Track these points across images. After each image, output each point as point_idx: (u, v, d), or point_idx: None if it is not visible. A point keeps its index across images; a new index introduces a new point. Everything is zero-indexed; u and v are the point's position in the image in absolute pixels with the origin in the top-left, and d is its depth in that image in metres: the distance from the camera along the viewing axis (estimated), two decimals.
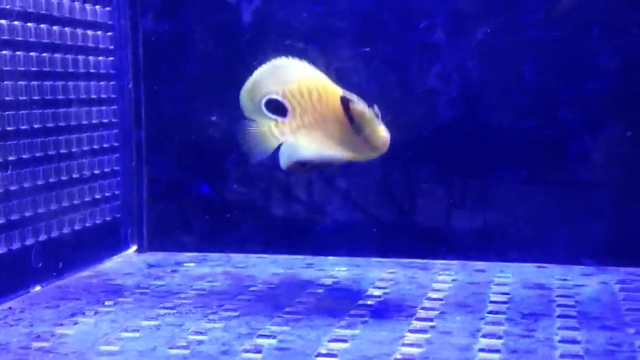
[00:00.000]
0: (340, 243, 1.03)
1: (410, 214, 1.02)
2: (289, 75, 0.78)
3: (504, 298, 0.82)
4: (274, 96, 0.79)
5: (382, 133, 0.74)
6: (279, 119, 0.79)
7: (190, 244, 1.07)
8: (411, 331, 0.72)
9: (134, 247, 1.08)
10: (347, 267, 0.98)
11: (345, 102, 0.75)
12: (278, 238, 1.06)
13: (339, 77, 1.01)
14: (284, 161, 0.78)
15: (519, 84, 0.98)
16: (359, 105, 0.75)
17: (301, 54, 1.01)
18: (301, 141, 0.78)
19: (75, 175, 0.95)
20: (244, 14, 1.04)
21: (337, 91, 0.77)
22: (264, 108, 0.79)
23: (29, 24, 0.87)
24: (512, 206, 0.99)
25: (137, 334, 0.72)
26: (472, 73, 0.99)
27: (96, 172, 1.00)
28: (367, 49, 1.02)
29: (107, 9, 1.01)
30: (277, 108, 0.80)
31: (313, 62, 1.01)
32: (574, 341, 0.68)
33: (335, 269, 0.96)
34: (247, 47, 1.04)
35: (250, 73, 0.81)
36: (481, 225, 1.00)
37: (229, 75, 1.04)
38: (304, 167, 0.79)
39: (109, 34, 1.02)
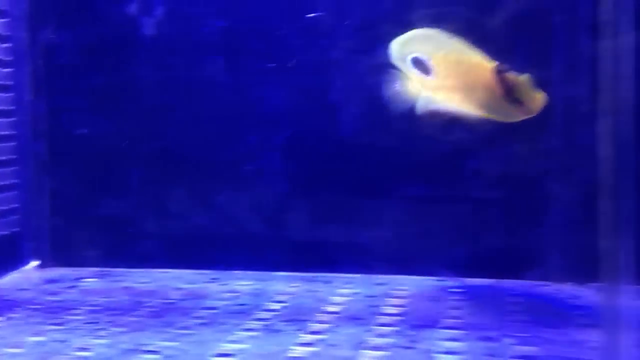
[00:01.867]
0: (247, 257, 1.03)
1: (315, 229, 1.03)
2: (441, 44, 0.86)
3: (396, 310, 0.84)
4: (422, 56, 0.86)
5: (540, 98, 0.82)
6: (424, 76, 0.86)
7: (93, 259, 1.06)
8: (299, 344, 0.72)
9: (35, 263, 1.06)
10: (252, 281, 0.98)
11: (502, 71, 0.82)
12: (183, 253, 1.05)
13: (244, 91, 1.03)
14: (419, 107, 0.86)
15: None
16: (516, 75, 0.82)
17: (203, 67, 1.03)
18: (440, 97, 0.86)
19: None
20: (145, 27, 1.03)
21: (487, 65, 0.84)
22: (410, 62, 0.86)
23: None
24: (414, 221, 1.01)
25: (20, 350, 0.70)
26: (372, 90, 1.01)
27: None
28: (274, 65, 1.03)
29: (5, 20, 1.00)
30: (424, 69, 0.87)
31: (220, 73, 1.03)
32: (453, 352, 0.69)
33: (238, 284, 0.96)
34: (149, 58, 1.04)
35: None
36: (384, 240, 1.02)
37: (131, 87, 1.04)
38: (438, 117, 0.86)
39: (6, 45, 1.00)
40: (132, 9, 1.03)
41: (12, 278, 0.99)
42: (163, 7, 1.03)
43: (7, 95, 1.00)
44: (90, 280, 0.98)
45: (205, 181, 1.04)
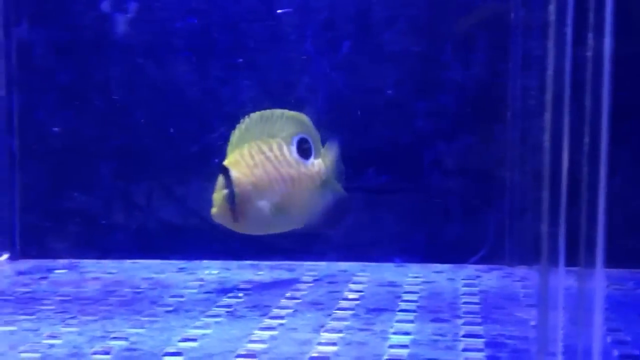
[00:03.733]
0: (214, 246, 1.07)
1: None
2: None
3: (356, 295, 0.88)
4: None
5: None
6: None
7: (64, 251, 1.08)
8: (260, 329, 0.76)
9: (6, 255, 1.08)
10: (218, 270, 1.01)
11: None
12: (152, 243, 1.08)
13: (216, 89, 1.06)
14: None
15: (380, 96, 1.05)
16: None
17: (174, 64, 1.06)
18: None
19: None
20: (118, 24, 1.06)
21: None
22: None
23: None
24: (374, 210, 1.05)
25: None
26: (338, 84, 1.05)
27: None
28: (240, 60, 1.06)
29: None
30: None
31: (189, 72, 1.06)
32: (405, 332, 0.73)
33: (205, 272, 1.00)
34: (120, 56, 1.06)
35: None
36: (346, 228, 1.06)
37: (103, 84, 1.07)
38: None
39: None
40: (105, 7, 1.05)
41: None
42: (136, 5, 1.05)
43: None
44: (61, 272, 1.01)
45: (171, 174, 1.08)
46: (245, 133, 0.89)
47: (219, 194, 0.87)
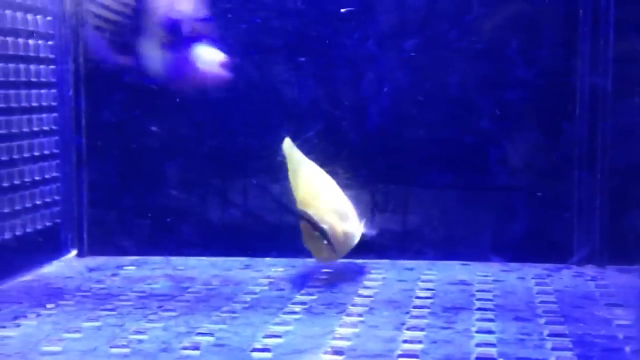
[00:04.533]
0: (277, 245, 1.08)
1: None
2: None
3: (428, 294, 0.88)
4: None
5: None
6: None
7: (130, 248, 1.10)
8: (341, 326, 0.77)
9: (74, 252, 1.10)
10: (283, 267, 1.02)
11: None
12: (216, 241, 1.09)
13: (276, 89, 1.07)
14: None
15: (444, 93, 1.05)
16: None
17: (236, 66, 1.07)
18: None
19: (16, 182, 0.97)
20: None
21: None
22: None
23: None
24: (439, 209, 1.05)
25: (78, 335, 0.75)
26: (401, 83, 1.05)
27: (37, 178, 1.02)
28: (303, 59, 1.07)
29: (49, 18, 1.03)
30: None
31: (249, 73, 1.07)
32: (489, 331, 0.73)
33: (272, 270, 1.01)
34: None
35: None
36: (411, 227, 1.06)
37: (168, 84, 1.08)
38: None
39: (50, 43, 1.04)
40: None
41: (56, 267, 1.04)
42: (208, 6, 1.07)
43: (50, 91, 1.04)
44: (130, 268, 1.03)
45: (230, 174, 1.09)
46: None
47: (314, 240, 0.89)
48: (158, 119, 1.08)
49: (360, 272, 0.99)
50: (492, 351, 0.68)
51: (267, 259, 1.06)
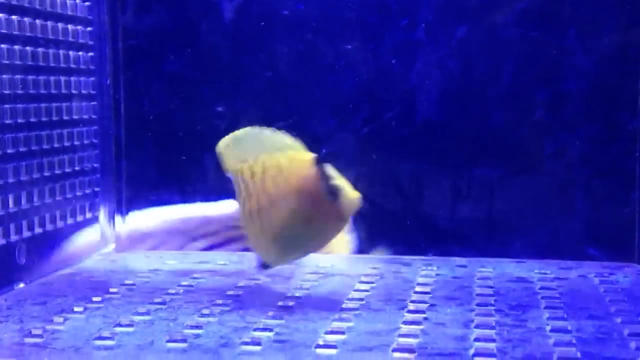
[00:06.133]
0: None
1: (390, 211, 1.04)
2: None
3: (489, 291, 0.84)
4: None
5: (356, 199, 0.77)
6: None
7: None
8: (405, 322, 0.73)
9: (113, 245, 1.06)
10: (331, 263, 0.98)
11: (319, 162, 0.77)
12: None
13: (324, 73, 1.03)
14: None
15: (498, 82, 1.01)
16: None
17: (279, 51, 1.04)
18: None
19: (57, 172, 0.94)
20: (226, 11, 1.04)
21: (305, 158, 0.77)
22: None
23: (12, 17, 0.86)
24: (491, 203, 1.01)
25: (131, 329, 0.71)
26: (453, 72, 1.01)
27: (77, 168, 0.98)
28: (349, 47, 1.03)
29: (87, 3, 1.00)
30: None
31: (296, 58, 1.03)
32: (565, 330, 0.70)
33: (321, 265, 0.97)
34: (227, 44, 1.04)
35: None
36: (461, 223, 1.02)
37: (209, 72, 1.04)
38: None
39: (89, 29, 1.00)
40: None
41: (96, 260, 1.01)
42: None
43: (88, 79, 1.00)
44: (172, 262, 0.99)
45: None
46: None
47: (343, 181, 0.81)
48: (199, 107, 1.05)
49: (410, 268, 0.95)
50: (573, 350, 0.64)
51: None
